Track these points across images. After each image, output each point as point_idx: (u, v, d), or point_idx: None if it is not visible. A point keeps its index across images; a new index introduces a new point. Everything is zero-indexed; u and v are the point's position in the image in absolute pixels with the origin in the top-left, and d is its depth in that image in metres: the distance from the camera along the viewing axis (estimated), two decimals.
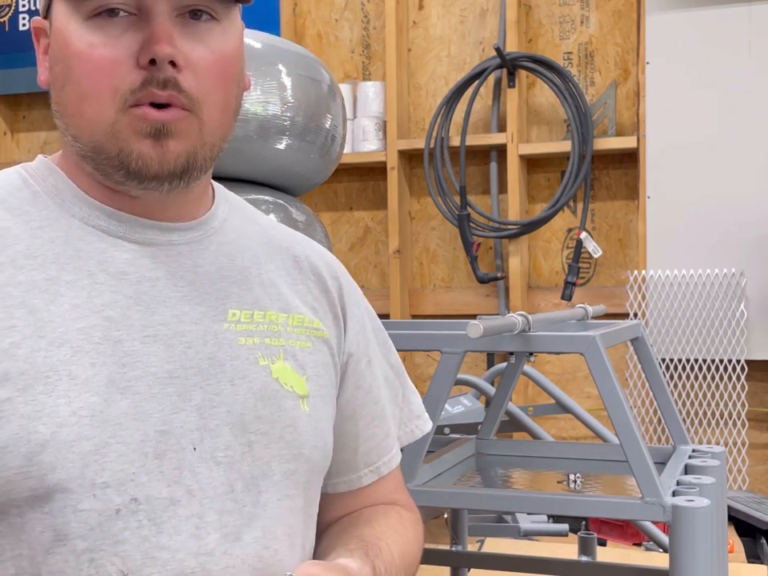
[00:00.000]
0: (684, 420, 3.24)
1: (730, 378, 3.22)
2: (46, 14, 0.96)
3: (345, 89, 3.61)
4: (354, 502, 1.12)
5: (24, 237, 0.92)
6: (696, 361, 3.26)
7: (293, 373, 1.00)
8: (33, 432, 0.84)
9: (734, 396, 3.22)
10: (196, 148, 0.94)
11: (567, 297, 3.47)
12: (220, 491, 0.92)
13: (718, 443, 3.23)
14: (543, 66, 3.49)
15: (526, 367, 2.62)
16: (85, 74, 0.90)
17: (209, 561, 0.91)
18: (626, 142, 3.41)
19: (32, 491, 0.85)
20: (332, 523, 1.10)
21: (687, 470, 1.52)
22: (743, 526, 2.78)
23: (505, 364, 1.91)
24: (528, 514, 2.73)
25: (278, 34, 3.72)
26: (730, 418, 3.25)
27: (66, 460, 0.85)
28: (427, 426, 1.20)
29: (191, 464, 0.91)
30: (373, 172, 3.81)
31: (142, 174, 0.92)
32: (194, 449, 0.91)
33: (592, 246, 3.49)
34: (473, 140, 3.59)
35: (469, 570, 2.02)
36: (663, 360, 3.27)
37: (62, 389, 0.86)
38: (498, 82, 3.63)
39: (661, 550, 2.46)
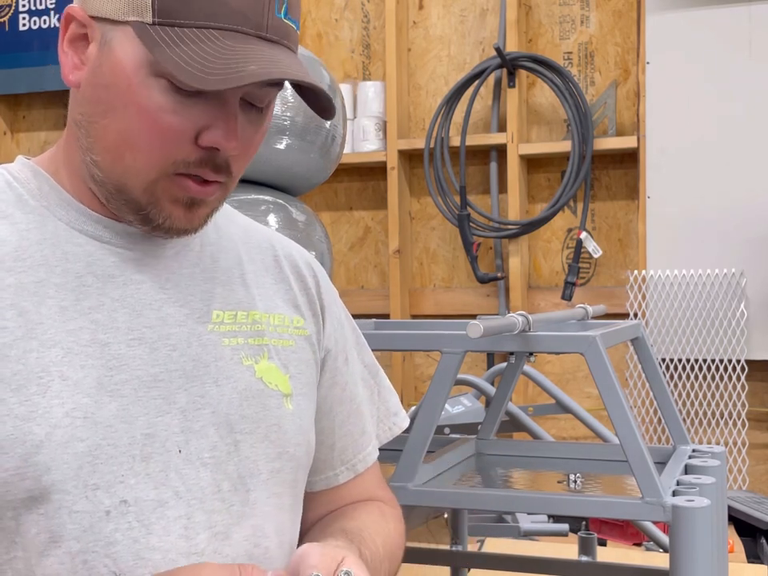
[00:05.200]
0: (684, 420, 3.24)
1: (730, 378, 3.22)
2: (83, 5, 0.91)
3: (345, 89, 3.61)
4: (332, 501, 1.13)
5: (11, 239, 0.91)
6: (696, 361, 3.26)
7: (277, 371, 1.01)
8: (28, 433, 0.85)
9: (734, 396, 3.22)
10: (217, 207, 0.97)
11: (567, 297, 3.47)
12: (207, 491, 0.93)
13: (718, 443, 3.23)
14: (543, 66, 3.49)
15: (526, 367, 2.62)
16: (143, 131, 0.88)
17: (199, 560, 0.91)
18: (626, 142, 3.41)
19: (28, 492, 0.85)
20: (313, 523, 1.11)
21: (687, 469, 1.52)
22: (743, 526, 2.78)
23: (505, 364, 1.91)
24: (528, 513, 2.73)
25: None
26: (730, 418, 3.25)
27: (61, 461, 0.85)
28: (405, 422, 1.20)
29: (177, 466, 0.92)
30: (373, 172, 3.81)
31: (163, 229, 0.93)
32: (180, 451, 0.92)
33: (592, 246, 3.49)
34: (473, 140, 3.59)
35: (469, 569, 2.02)
36: (663, 360, 3.27)
37: (55, 390, 0.86)
38: (498, 82, 3.63)
39: (661, 550, 2.46)
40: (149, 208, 0.92)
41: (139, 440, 0.90)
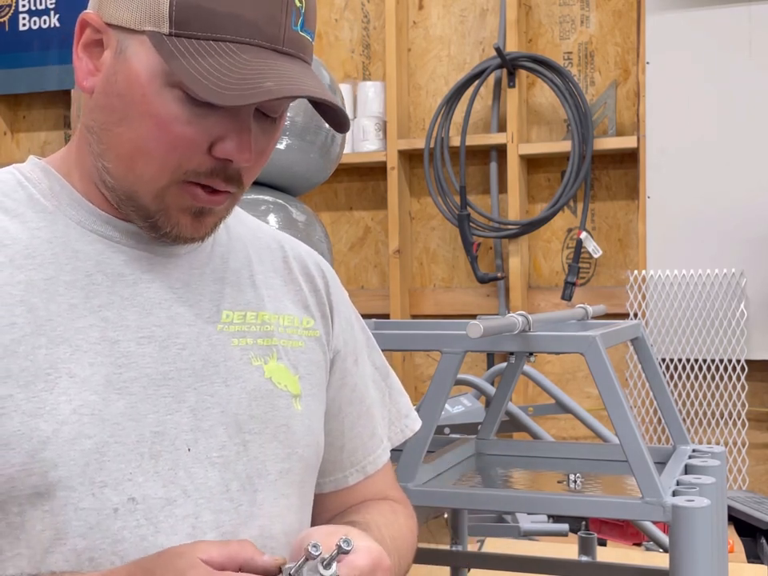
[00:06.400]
0: (684, 420, 3.24)
1: (730, 378, 3.22)
2: (99, 11, 0.91)
3: (345, 89, 3.61)
4: (342, 502, 1.13)
5: (22, 237, 0.92)
6: (696, 361, 3.26)
7: (286, 372, 1.01)
8: (35, 429, 0.85)
9: (734, 396, 3.22)
10: (225, 216, 0.97)
11: (567, 297, 3.47)
12: (216, 491, 0.93)
13: (717, 443, 3.23)
14: (543, 66, 3.49)
15: (526, 367, 2.62)
16: (157, 141, 0.88)
17: None
18: (626, 142, 3.41)
19: (34, 488, 0.85)
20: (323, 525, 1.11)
21: (687, 469, 1.52)
22: (743, 526, 2.78)
23: (505, 364, 1.91)
24: (528, 513, 2.73)
25: None
26: (730, 418, 3.25)
27: (68, 457, 0.86)
28: (416, 424, 1.20)
29: (186, 464, 0.92)
30: (373, 172, 3.81)
31: (169, 236, 0.94)
32: (189, 450, 0.92)
33: (592, 246, 3.49)
34: (473, 140, 3.59)
35: (469, 569, 2.02)
36: (663, 360, 3.27)
37: (62, 386, 0.87)
38: (498, 82, 3.63)
39: (661, 550, 2.46)
40: (157, 215, 0.92)
41: (148, 437, 0.90)
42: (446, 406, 2.37)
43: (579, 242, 3.49)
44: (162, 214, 0.92)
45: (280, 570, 0.83)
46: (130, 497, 0.88)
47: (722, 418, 3.27)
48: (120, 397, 0.89)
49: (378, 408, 1.15)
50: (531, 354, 1.62)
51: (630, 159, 3.47)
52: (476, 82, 3.58)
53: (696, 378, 3.28)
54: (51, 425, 0.85)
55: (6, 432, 0.84)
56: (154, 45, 0.86)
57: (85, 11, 0.92)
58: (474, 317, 1.56)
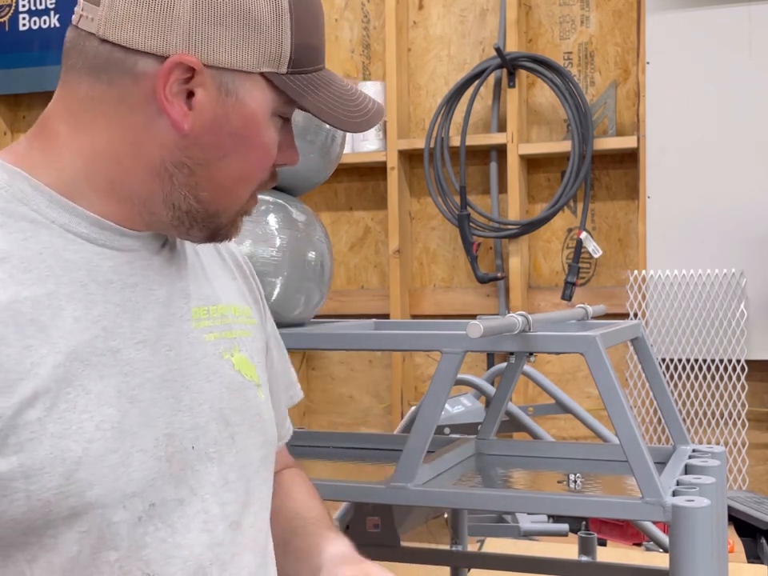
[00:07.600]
0: (684, 420, 3.24)
1: (730, 378, 3.22)
2: (193, 54, 0.89)
3: None
4: None
5: (13, 250, 0.87)
6: (696, 361, 3.26)
7: (248, 363, 1.05)
8: (66, 450, 0.84)
9: (734, 396, 3.22)
10: None
11: (567, 297, 3.47)
12: (218, 485, 0.96)
13: (717, 443, 3.23)
14: (543, 66, 3.49)
15: (526, 367, 2.61)
16: (260, 167, 0.96)
17: (221, 551, 0.95)
18: (626, 142, 3.41)
19: (72, 509, 0.85)
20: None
21: (687, 469, 1.52)
22: (743, 526, 2.78)
23: (505, 364, 1.91)
24: (528, 514, 2.73)
25: None
26: (730, 418, 3.25)
27: (101, 475, 0.86)
28: (300, 394, 1.28)
29: (192, 463, 0.94)
30: (373, 172, 3.80)
31: (224, 239, 1.00)
32: (193, 447, 0.94)
33: (592, 246, 3.49)
34: (473, 140, 3.59)
35: (469, 569, 2.02)
36: (663, 360, 3.27)
37: (82, 404, 0.86)
38: (498, 82, 3.62)
39: (661, 550, 2.46)
40: (227, 227, 0.98)
41: (162, 441, 0.91)
42: (446, 406, 2.37)
43: (579, 242, 3.49)
44: (232, 224, 0.98)
45: None
46: (151, 503, 0.90)
47: (721, 418, 3.26)
48: (132, 405, 0.90)
49: (282, 379, 1.22)
50: (531, 354, 1.62)
51: (630, 159, 3.47)
52: (476, 82, 3.58)
53: (696, 378, 3.28)
54: (80, 444, 0.85)
55: (38, 456, 0.83)
56: (278, 85, 0.92)
57: (179, 54, 0.88)
58: (474, 317, 1.56)
